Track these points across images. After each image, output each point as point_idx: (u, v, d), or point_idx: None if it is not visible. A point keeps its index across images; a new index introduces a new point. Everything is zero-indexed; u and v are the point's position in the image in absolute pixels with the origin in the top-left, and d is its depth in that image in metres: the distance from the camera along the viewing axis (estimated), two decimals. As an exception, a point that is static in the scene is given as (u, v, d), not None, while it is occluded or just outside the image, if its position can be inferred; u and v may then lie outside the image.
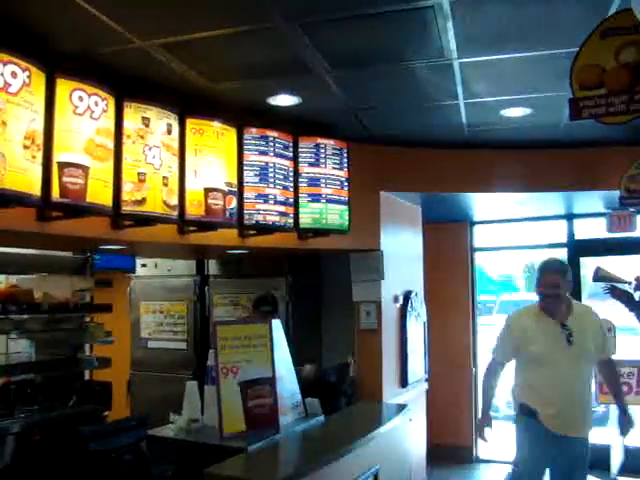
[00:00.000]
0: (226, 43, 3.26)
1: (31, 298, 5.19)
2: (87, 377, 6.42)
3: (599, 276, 5.88)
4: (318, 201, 4.77)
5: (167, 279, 6.71)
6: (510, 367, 4.21)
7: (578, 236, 7.10)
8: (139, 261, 6.74)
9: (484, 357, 8.22)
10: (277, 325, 4.23)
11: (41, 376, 5.32)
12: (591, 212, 6.85)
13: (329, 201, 4.81)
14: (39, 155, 3.15)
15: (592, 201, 6.31)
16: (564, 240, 7.15)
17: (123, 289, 6.84)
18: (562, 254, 7.09)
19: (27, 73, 3.06)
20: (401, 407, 4.66)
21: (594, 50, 2.73)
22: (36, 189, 3.14)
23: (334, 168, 4.86)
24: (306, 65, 3.58)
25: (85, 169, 3.38)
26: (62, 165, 3.27)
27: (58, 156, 3.26)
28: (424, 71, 3.72)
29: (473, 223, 7.60)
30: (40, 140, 3.15)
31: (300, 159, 4.74)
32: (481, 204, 6.63)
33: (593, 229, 7.07)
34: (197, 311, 6.52)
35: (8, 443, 4.62)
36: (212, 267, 6.58)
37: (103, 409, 5.44)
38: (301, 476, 3.11)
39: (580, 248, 7.04)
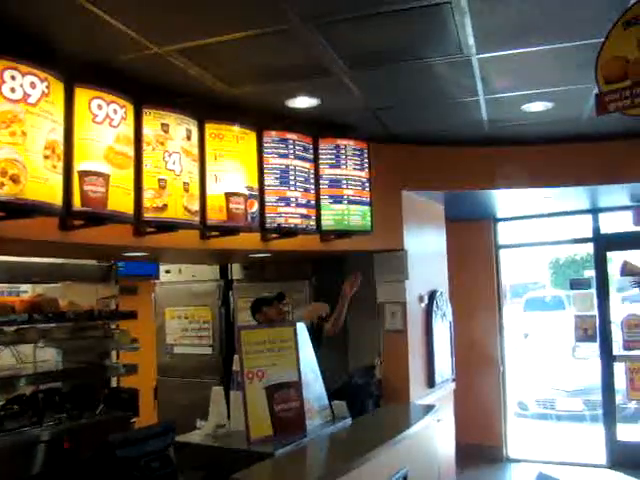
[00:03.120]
0: (243, 46, 3.25)
1: (56, 307, 5.23)
2: (115, 384, 6.47)
3: (626, 270, 5.80)
4: (340, 202, 4.75)
5: (191, 284, 6.73)
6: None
7: (604, 230, 6.98)
8: (163, 267, 6.77)
9: (512, 355, 8.16)
10: (302, 328, 4.20)
11: (68, 384, 5.37)
12: (616, 206, 6.76)
13: (351, 202, 4.78)
14: (59, 164, 3.16)
15: (617, 195, 6.21)
16: (590, 235, 7.04)
17: (148, 296, 6.87)
18: (588, 249, 6.98)
19: (46, 83, 3.07)
20: (429, 408, 4.61)
21: (617, 42, 2.67)
22: (57, 198, 3.15)
23: (355, 169, 4.83)
24: (324, 66, 3.56)
25: (105, 177, 3.39)
26: (83, 174, 3.28)
27: (78, 165, 3.27)
28: (443, 68, 3.68)
29: (497, 220, 7.52)
30: (60, 149, 3.17)
31: (320, 161, 4.72)
32: (504, 201, 6.56)
33: (619, 223, 6.97)
34: (222, 316, 6.53)
35: (38, 451, 4.66)
36: (236, 272, 6.59)
37: (131, 416, 5.46)
38: (329, 480, 3.09)
39: (606, 242, 6.93)
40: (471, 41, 3.29)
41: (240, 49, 3.29)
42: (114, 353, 6.47)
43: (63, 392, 5.28)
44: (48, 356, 6.20)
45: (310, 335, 4.59)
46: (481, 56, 3.49)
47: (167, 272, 6.79)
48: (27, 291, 6.39)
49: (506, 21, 3.11)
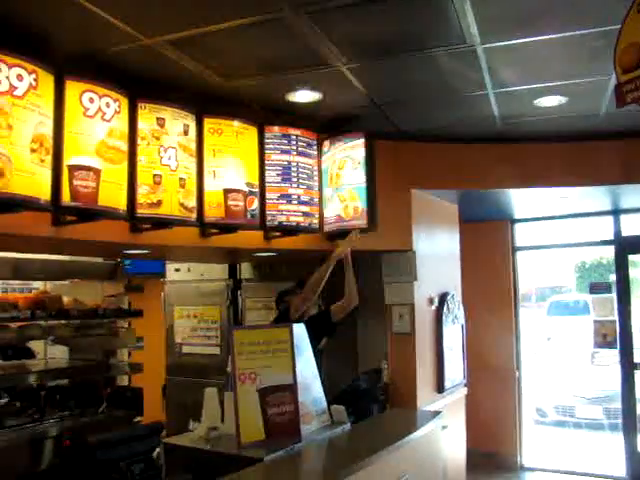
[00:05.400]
0: (235, 37, 3.14)
1: (60, 304, 5.20)
2: (125, 383, 6.44)
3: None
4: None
5: (200, 283, 6.64)
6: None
7: (625, 232, 6.73)
8: (173, 265, 6.70)
9: (532, 360, 7.95)
10: (301, 329, 4.07)
11: (70, 381, 5.33)
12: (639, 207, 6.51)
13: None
14: (48, 159, 3.10)
15: (640, 195, 5.97)
16: (611, 237, 6.79)
17: (156, 294, 6.81)
18: (609, 252, 6.74)
19: (34, 76, 3.00)
20: (434, 414, 4.43)
21: (633, 27, 2.49)
22: (45, 193, 3.09)
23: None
24: (322, 57, 3.43)
25: (96, 172, 3.32)
26: (72, 168, 3.21)
27: (68, 159, 3.20)
28: (447, 59, 3.52)
29: (514, 221, 7.31)
30: (49, 143, 3.10)
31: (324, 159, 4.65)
32: (521, 201, 6.36)
33: (642, 225, 6.73)
34: (230, 315, 6.43)
35: (39, 448, 4.62)
36: (244, 271, 6.49)
37: (134, 415, 5.40)
38: (319, 488, 2.96)
39: (628, 245, 6.67)
40: (474, 30, 3.13)
41: (232, 40, 3.17)
42: (126, 352, 6.45)
43: (65, 389, 5.24)
44: (57, 353, 6.21)
45: (316, 325, 4.44)
46: (486, 46, 3.33)
47: (177, 270, 6.71)
48: (38, 288, 6.40)
49: (510, 7, 2.94)
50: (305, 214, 4.43)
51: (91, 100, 3.32)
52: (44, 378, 5.08)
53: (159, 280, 6.81)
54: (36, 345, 6.18)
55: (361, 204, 4.60)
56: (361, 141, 4.60)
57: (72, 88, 3.24)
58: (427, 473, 4.07)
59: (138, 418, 5.47)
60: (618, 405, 7.03)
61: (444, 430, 4.54)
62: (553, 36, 3.26)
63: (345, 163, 4.63)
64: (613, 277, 7.04)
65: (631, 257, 6.79)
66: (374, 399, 4.85)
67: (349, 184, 4.61)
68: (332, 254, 4.43)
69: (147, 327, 6.46)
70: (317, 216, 4.53)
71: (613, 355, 6.58)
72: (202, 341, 6.51)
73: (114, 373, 5.86)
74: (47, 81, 3.10)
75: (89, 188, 3.28)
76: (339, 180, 4.63)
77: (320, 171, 4.63)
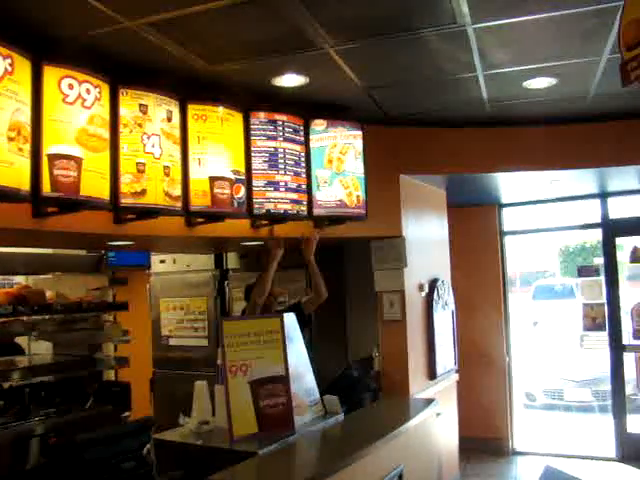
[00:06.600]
0: (218, 19, 3.02)
1: (42, 299, 5.06)
2: (112, 377, 6.32)
3: (637, 256, 5.58)
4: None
5: (186, 274, 6.55)
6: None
7: (613, 215, 6.71)
8: (158, 257, 6.59)
9: (520, 345, 7.93)
10: (292, 319, 4.00)
11: (55, 377, 5.21)
12: (626, 189, 6.50)
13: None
14: (26, 147, 2.97)
15: (627, 178, 5.95)
16: (598, 220, 6.77)
17: (142, 286, 6.69)
18: (593, 236, 6.72)
19: (9, 61, 2.87)
20: (428, 402, 4.40)
21: (635, 3, 2.40)
22: (24, 183, 2.96)
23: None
24: (308, 40, 3.32)
25: (78, 160, 3.19)
26: (52, 157, 3.09)
27: (48, 148, 3.08)
28: (437, 40, 3.43)
29: (502, 205, 7.27)
30: (27, 131, 2.98)
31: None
32: (509, 185, 6.31)
33: (629, 208, 6.71)
34: (217, 306, 6.34)
35: (23, 447, 4.50)
36: (231, 261, 6.42)
37: (121, 410, 5.29)
38: (315, 481, 2.89)
39: (615, 228, 6.65)
40: (465, 9, 3.04)
41: (216, 22, 3.06)
42: (112, 346, 6.33)
43: (50, 386, 5.12)
44: (41, 349, 6.08)
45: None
46: (477, 26, 3.24)
47: (162, 262, 6.61)
48: (20, 282, 6.26)
49: (502, -15, 2.87)
50: (293, 201, 4.33)
51: (70, 86, 3.19)
52: (28, 375, 4.95)
53: (144, 272, 6.69)
54: (19, 342, 6.05)
55: (362, 194, 4.69)
56: (360, 132, 4.68)
57: (50, 74, 3.11)
58: (423, 462, 4.03)
59: (126, 413, 5.36)
60: (607, 387, 7.05)
61: (438, 417, 4.49)
62: (545, 15, 3.17)
63: (348, 150, 4.61)
64: (597, 261, 7.04)
65: (618, 240, 6.79)
66: (366, 388, 4.80)
67: (352, 172, 4.63)
68: (271, 256, 4.52)
69: (133, 320, 6.33)
70: (305, 203, 4.43)
71: (601, 338, 6.58)
72: (189, 333, 6.44)
73: (100, 367, 5.74)
74: (24, 66, 2.97)
75: (70, 178, 3.16)
76: (342, 165, 4.58)
77: (308, 152, 4.50)
